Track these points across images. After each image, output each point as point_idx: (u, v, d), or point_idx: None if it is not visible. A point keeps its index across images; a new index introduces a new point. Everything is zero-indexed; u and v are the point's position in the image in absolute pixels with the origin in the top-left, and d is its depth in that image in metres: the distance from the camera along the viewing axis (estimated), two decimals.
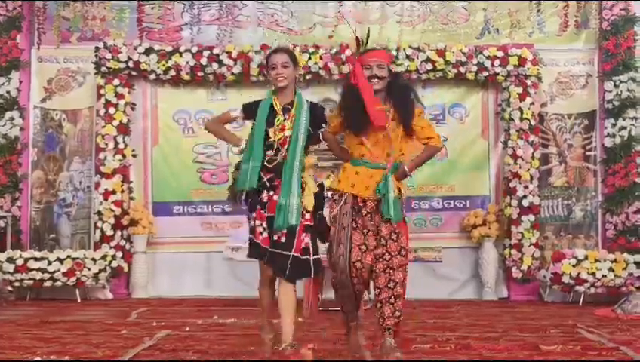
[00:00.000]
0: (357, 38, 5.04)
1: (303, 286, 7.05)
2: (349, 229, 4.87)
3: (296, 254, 4.81)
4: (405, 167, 5.02)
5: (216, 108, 9.82)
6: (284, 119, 4.97)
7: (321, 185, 5.11)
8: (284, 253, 4.81)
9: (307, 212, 4.89)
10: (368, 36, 5.09)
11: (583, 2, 9.82)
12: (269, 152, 4.93)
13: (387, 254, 4.87)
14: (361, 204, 4.92)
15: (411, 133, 5.03)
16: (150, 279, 9.72)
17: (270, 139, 4.94)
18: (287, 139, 4.92)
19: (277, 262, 4.84)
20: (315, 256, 4.87)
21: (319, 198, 5.04)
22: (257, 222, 4.91)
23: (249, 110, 5.13)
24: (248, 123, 5.19)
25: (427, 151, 5.12)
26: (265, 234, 4.88)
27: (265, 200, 4.90)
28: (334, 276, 4.93)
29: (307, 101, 5.09)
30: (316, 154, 6.73)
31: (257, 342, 5.26)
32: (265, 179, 4.91)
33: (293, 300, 4.88)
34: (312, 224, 4.92)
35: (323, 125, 5.12)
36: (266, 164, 4.91)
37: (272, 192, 4.90)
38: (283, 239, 4.83)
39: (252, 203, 4.96)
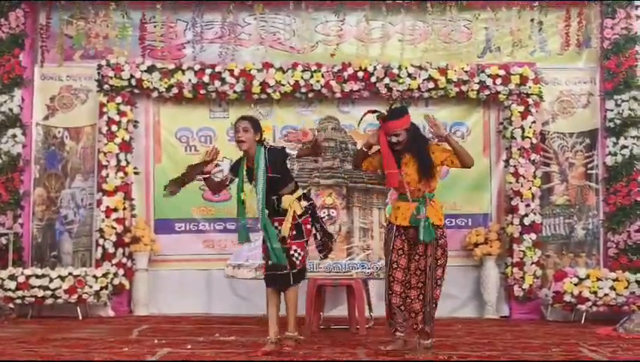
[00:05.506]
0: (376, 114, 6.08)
1: (304, 304, 7.03)
2: (393, 252, 5.96)
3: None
4: (442, 131, 6.11)
5: (219, 126, 9.86)
6: (251, 180, 6.10)
7: (306, 198, 6.26)
8: (278, 272, 6.07)
9: (288, 237, 6.02)
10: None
11: (584, 21, 9.86)
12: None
13: (424, 267, 5.90)
14: (402, 231, 5.97)
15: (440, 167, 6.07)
16: (152, 297, 9.70)
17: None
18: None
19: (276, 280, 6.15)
20: (294, 270, 6.06)
21: (310, 211, 6.22)
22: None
23: (233, 170, 6.30)
24: None
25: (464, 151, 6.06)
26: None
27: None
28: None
29: (265, 149, 6.07)
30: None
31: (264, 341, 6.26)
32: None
33: (294, 299, 6.12)
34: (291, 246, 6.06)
35: (286, 161, 6.11)
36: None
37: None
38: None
39: None
